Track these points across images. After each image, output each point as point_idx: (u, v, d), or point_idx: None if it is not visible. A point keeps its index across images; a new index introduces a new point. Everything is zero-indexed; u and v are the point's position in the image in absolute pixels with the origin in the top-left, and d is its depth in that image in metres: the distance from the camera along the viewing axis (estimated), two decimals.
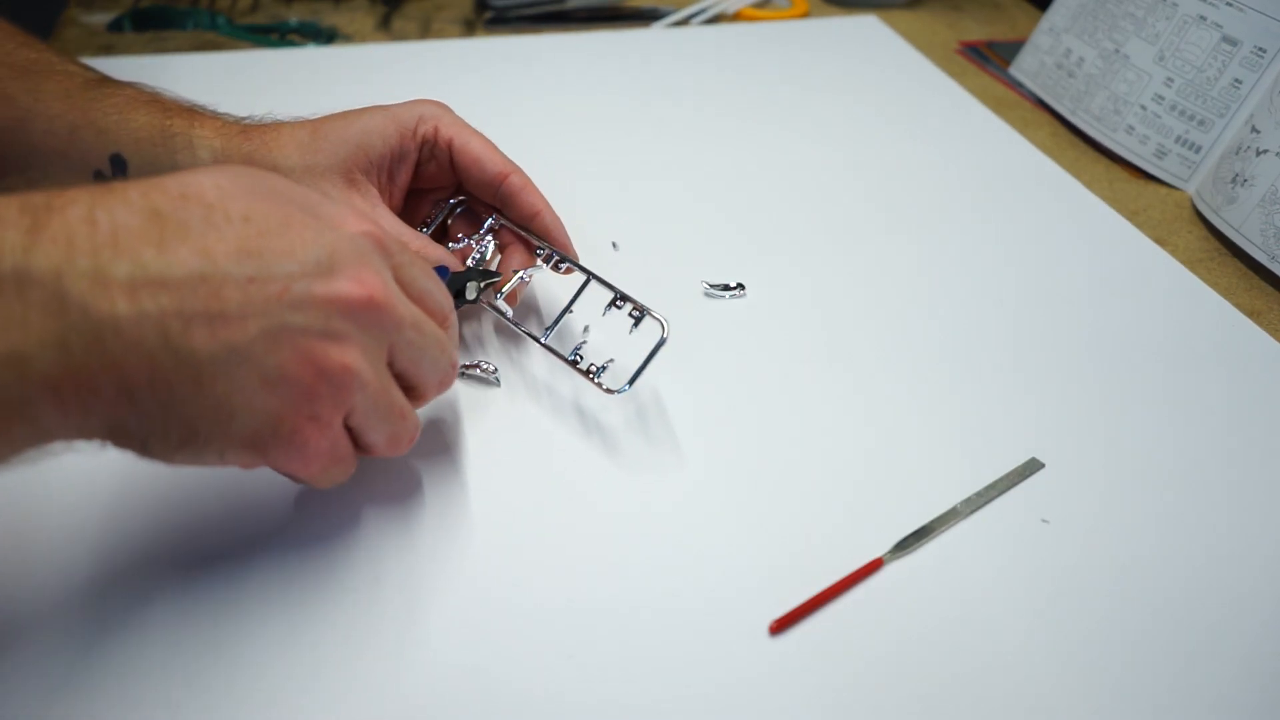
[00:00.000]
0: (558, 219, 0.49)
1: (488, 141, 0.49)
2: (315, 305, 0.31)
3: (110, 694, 0.33)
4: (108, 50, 0.77)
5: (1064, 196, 0.65)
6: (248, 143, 0.46)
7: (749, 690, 0.34)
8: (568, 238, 0.49)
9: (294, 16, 0.86)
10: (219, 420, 0.30)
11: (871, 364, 0.49)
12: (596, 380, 0.43)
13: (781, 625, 0.36)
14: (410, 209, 0.51)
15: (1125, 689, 0.35)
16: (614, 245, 0.56)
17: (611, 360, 0.44)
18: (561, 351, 0.45)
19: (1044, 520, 0.41)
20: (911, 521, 0.41)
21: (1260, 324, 0.54)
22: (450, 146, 0.48)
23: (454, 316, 0.38)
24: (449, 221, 0.51)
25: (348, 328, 0.32)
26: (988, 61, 0.85)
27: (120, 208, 0.29)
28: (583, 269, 0.47)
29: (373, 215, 0.45)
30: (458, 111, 0.49)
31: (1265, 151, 0.59)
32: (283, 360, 0.31)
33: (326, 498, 0.40)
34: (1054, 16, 0.77)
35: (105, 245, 0.28)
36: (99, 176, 0.46)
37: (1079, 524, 0.41)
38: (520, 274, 0.47)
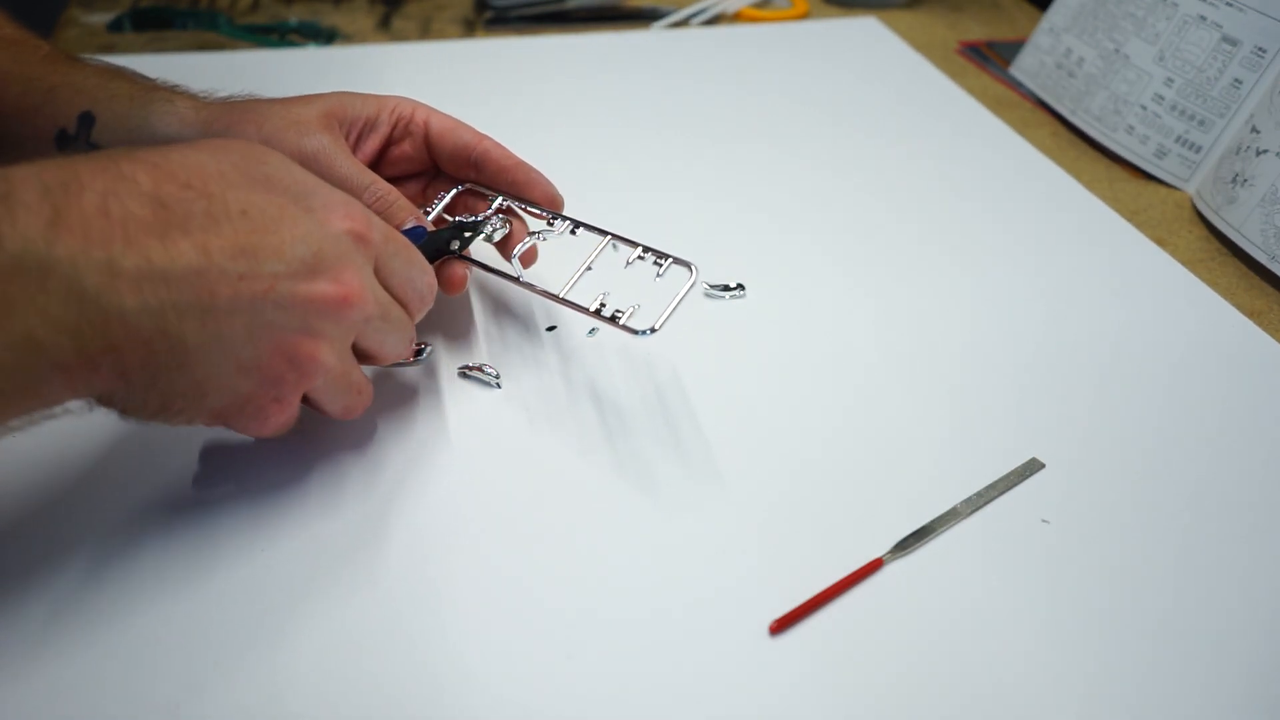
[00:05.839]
0: (538, 171, 0.50)
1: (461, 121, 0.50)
2: (296, 304, 0.34)
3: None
4: (108, 50, 0.77)
5: (1064, 197, 0.65)
6: (230, 113, 0.46)
7: (749, 690, 0.34)
8: (554, 188, 0.50)
9: (294, 16, 0.86)
10: (194, 397, 0.34)
11: (871, 364, 0.49)
12: (622, 324, 0.43)
13: (781, 625, 0.36)
14: None
15: (1125, 689, 0.35)
16: (614, 246, 0.56)
17: (637, 305, 0.44)
18: (582, 304, 0.45)
19: (1044, 520, 0.41)
20: (911, 521, 0.41)
21: (1260, 324, 0.54)
22: (426, 123, 0.49)
23: (431, 294, 0.41)
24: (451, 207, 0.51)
25: (322, 325, 0.35)
26: (988, 61, 0.85)
27: (131, 198, 0.31)
28: (602, 231, 0.47)
29: (358, 179, 0.45)
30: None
31: (1265, 151, 0.59)
32: (259, 351, 0.34)
33: (320, 498, 0.40)
34: (1054, 16, 0.77)
35: (116, 238, 0.30)
36: (62, 136, 0.46)
37: (1079, 524, 0.41)
38: (536, 234, 0.48)
